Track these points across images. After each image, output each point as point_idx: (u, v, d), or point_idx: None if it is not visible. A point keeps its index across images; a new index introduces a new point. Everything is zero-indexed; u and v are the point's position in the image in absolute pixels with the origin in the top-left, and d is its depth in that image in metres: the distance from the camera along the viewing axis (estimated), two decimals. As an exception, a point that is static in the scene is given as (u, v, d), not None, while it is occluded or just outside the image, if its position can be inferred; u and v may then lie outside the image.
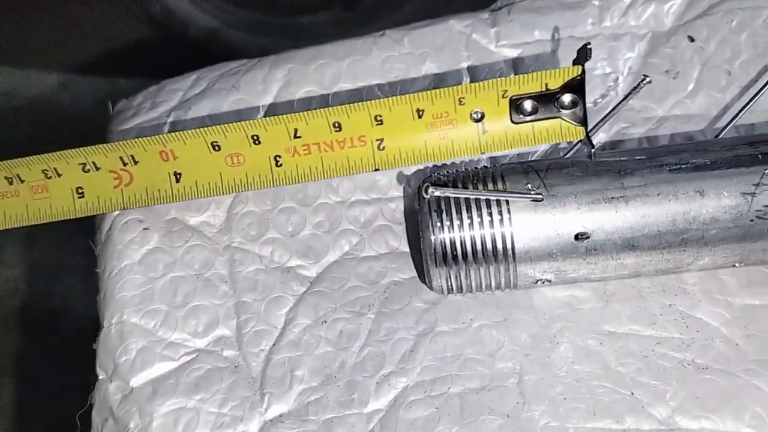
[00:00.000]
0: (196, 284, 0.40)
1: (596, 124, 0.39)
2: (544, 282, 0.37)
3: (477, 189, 0.36)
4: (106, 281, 0.40)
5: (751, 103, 0.40)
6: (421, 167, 0.42)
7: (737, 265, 0.37)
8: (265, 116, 0.43)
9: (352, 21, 0.46)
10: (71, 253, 0.45)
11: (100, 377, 0.39)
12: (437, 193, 0.35)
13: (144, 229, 0.41)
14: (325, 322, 0.39)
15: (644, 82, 0.40)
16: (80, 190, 0.38)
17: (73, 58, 0.58)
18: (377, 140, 0.38)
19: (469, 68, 0.44)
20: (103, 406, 0.38)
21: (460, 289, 0.38)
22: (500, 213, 0.36)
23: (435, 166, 0.42)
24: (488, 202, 0.36)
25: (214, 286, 0.40)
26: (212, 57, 0.47)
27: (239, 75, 0.44)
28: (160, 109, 0.44)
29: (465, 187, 0.36)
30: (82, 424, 0.39)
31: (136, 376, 0.38)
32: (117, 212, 0.42)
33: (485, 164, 0.42)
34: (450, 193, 0.35)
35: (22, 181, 0.38)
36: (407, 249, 0.41)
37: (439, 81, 0.44)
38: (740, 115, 0.40)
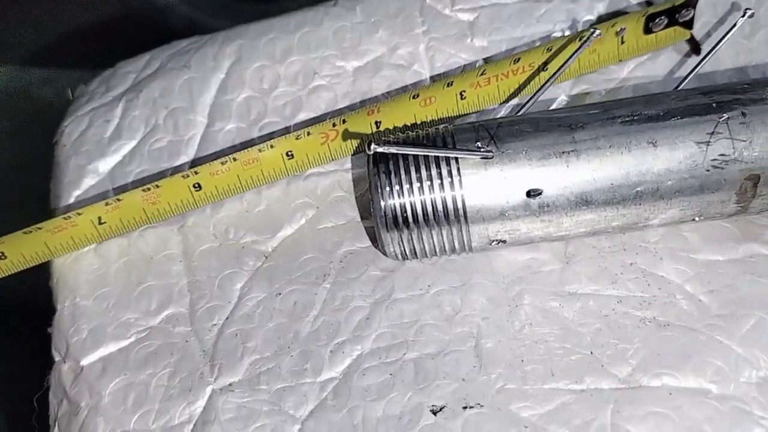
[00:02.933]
0: (150, 265, 0.40)
1: (551, 77, 0.39)
2: (498, 243, 0.36)
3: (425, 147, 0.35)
4: (60, 267, 0.40)
5: (708, 57, 0.40)
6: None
7: (697, 219, 0.36)
8: (217, 94, 0.43)
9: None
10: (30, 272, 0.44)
11: (56, 359, 0.38)
12: (380, 150, 0.34)
13: (98, 212, 0.41)
14: (280, 294, 0.38)
15: (594, 35, 0.39)
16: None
17: (52, 51, 0.57)
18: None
19: (424, 33, 0.43)
20: (58, 387, 0.38)
21: (414, 254, 0.37)
22: (449, 173, 0.35)
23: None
24: (437, 161, 0.35)
25: (168, 267, 0.40)
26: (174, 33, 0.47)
27: (190, 53, 0.44)
28: (113, 92, 0.44)
29: (414, 146, 0.36)
30: (40, 407, 0.38)
31: (87, 356, 0.37)
32: (72, 200, 0.41)
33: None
34: (395, 149, 0.35)
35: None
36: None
37: (392, 49, 0.43)
38: (697, 69, 0.39)
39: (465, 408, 0.34)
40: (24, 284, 0.41)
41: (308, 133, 0.40)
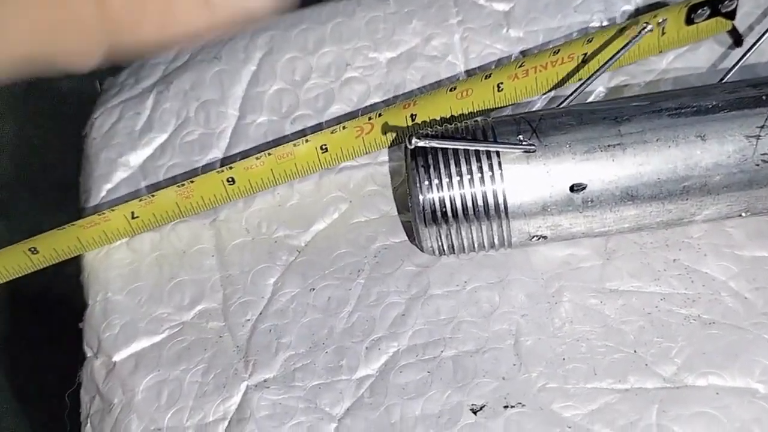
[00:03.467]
0: (182, 260, 0.39)
1: (596, 71, 0.38)
2: (539, 238, 0.36)
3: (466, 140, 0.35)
4: (91, 261, 0.39)
5: (753, 49, 0.38)
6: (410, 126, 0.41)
7: (744, 215, 0.35)
8: (248, 86, 0.42)
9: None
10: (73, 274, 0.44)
11: (87, 355, 0.38)
12: (421, 144, 0.33)
13: (129, 207, 0.40)
14: (313, 289, 0.38)
15: (645, 30, 0.39)
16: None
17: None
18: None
19: (458, 23, 0.42)
20: (90, 383, 0.37)
21: (452, 249, 0.36)
22: (491, 167, 0.34)
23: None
24: (478, 155, 0.34)
25: (200, 261, 0.39)
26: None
27: (220, 45, 0.43)
28: (143, 84, 0.44)
29: (453, 139, 0.35)
30: (71, 403, 0.38)
31: (119, 351, 0.37)
32: (103, 194, 0.41)
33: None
34: (436, 143, 0.34)
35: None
36: (397, 212, 0.40)
37: (426, 39, 0.42)
38: (743, 60, 0.38)
39: (506, 407, 0.33)
40: (54, 279, 0.40)
41: (343, 128, 0.39)
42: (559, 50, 0.40)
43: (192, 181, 0.38)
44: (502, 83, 0.39)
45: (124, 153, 0.41)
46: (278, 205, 0.40)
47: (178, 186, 0.38)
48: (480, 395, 0.34)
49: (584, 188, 0.34)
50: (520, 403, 0.33)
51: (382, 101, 0.42)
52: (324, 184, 0.40)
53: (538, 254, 0.38)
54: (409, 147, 0.34)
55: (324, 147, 0.39)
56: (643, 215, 0.35)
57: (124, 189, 0.41)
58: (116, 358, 0.37)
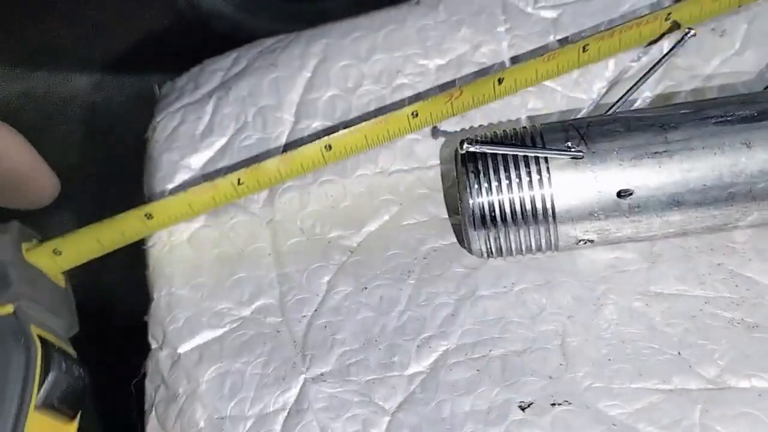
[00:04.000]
0: (241, 257, 0.41)
1: (642, 76, 0.39)
2: (586, 242, 0.37)
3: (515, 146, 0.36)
4: (156, 257, 0.41)
5: (801, 54, 0.39)
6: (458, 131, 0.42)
7: (789, 220, 0.36)
8: (303, 93, 0.44)
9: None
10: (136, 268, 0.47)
11: (153, 347, 0.40)
12: (472, 149, 0.35)
13: (191, 207, 0.42)
14: (366, 288, 0.39)
15: (688, 35, 0.39)
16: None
17: (102, 57, 0.59)
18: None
19: (506, 31, 0.44)
20: (156, 373, 0.39)
21: (500, 252, 0.37)
22: (539, 172, 0.35)
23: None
24: (527, 161, 0.36)
25: (258, 259, 0.41)
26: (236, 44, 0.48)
27: (277, 53, 0.45)
28: (203, 90, 0.45)
29: (502, 145, 0.36)
30: (137, 393, 0.40)
31: (183, 344, 0.39)
32: (166, 194, 0.43)
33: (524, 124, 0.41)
34: (486, 149, 0.35)
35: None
36: (447, 215, 0.41)
37: (475, 47, 0.44)
38: (790, 66, 0.39)
39: (553, 405, 0.35)
40: (120, 276, 0.43)
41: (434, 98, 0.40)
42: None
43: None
44: (588, 45, 0.40)
45: (186, 155, 0.43)
46: (331, 207, 0.42)
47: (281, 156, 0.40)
48: (528, 393, 0.35)
49: (631, 194, 0.35)
50: (566, 401, 0.35)
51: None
52: (375, 187, 0.42)
53: (584, 257, 0.39)
54: (460, 151, 0.36)
55: (415, 113, 0.40)
56: (688, 221, 0.36)
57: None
58: (181, 350, 0.39)
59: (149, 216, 0.39)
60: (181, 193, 0.39)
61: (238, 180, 0.39)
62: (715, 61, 0.42)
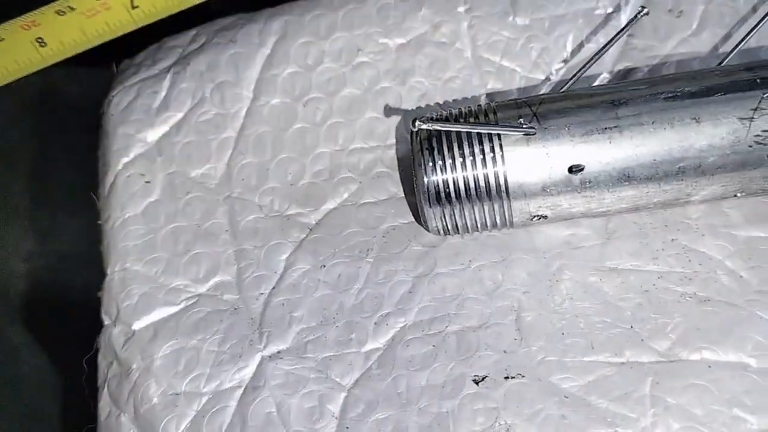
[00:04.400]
0: (197, 233, 0.41)
1: (595, 54, 0.39)
2: (540, 218, 0.37)
3: (468, 123, 0.36)
4: (109, 231, 0.41)
5: (752, 32, 0.39)
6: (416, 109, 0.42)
7: (739, 195, 0.37)
8: (262, 69, 0.44)
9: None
10: (90, 243, 0.46)
11: (105, 323, 0.40)
12: (425, 126, 0.35)
13: (146, 182, 0.42)
14: (324, 266, 0.39)
15: (641, 13, 0.39)
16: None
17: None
18: None
19: (466, 11, 0.44)
20: (108, 349, 0.39)
21: (456, 229, 0.38)
22: (492, 149, 0.36)
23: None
24: (480, 137, 0.36)
25: (215, 235, 0.41)
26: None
27: (236, 29, 0.45)
28: (160, 65, 0.45)
29: (456, 122, 0.36)
30: (89, 369, 0.40)
31: (138, 320, 0.39)
32: (120, 167, 0.42)
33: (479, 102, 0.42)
34: (439, 126, 0.35)
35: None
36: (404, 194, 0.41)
37: (435, 27, 0.44)
38: (741, 44, 0.39)
39: (506, 378, 0.35)
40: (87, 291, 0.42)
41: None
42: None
43: None
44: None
45: (142, 129, 0.43)
46: (290, 183, 0.42)
47: None
48: (482, 367, 0.35)
49: (582, 169, 0.35)
50: (520, 374, 0.35)
51: (391, 86, 0.43)
52: (334, 164, 0.42)
53: (541, 234, 0.39)
54: (412, 129, 0.36)
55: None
56: (640, 196, 0.36)
57: (140, 163, 0.42)
58: (135, 326, 0.39)
59: (42, 42, 0.36)
60: (70, 12, 0.36)
61: (132, 2, 0.37)
62: (672, 41, 0.43)
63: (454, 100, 0.43)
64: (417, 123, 0.35)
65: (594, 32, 0.43)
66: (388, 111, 0.43)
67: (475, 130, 0.36)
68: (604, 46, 0.39)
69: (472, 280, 0.38)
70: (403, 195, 0.41)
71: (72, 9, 0.36)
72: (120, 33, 0.37)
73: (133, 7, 0.37)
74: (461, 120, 0.37)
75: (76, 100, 0.56)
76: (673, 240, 0.38)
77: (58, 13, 0.36)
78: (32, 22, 0.36)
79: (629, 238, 0.38)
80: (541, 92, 0.42)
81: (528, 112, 0.36)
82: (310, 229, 0.41)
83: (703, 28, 0.43)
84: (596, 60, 0.39)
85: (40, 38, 0.36)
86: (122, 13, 0.37)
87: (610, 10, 0.44)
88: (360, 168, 0.42)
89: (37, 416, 0.44)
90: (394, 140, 0.42)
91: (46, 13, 0.36)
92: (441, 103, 0.42)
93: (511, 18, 0.44)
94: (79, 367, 0.40)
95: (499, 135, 0.35)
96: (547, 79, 0.43)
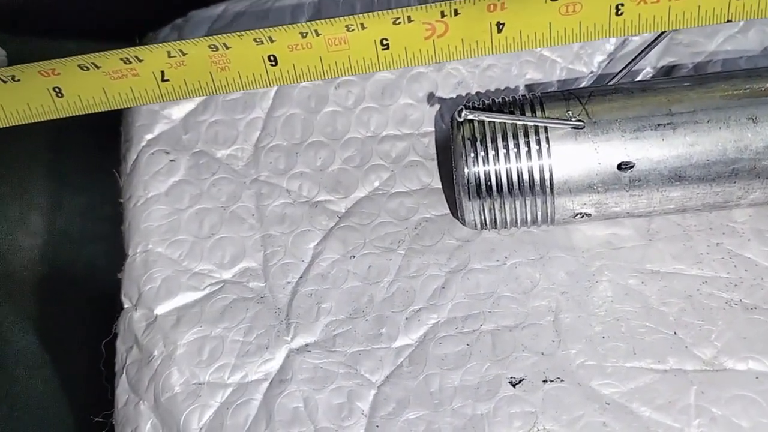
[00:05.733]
0: (223, 216, 0.39)
1: (643, 49, 0.37)
2: (583, 216, 0.35)
3: (514, 115, 0.34)
4: (132, 210, 0.39)
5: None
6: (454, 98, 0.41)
7: (791, 200, 0.35)
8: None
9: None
10: (95, 220, 0.44)
11: (125, 306, 0.38)
12: (471, 117, 0.33)
13: (171, 160, 0.40)
14: (354, 256, 0.38)
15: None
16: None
17: (89, 24, 0.56)
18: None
19: (507, -3, 0.42)
20: (128, 334, 0.37)
21: (494, 224, 0.36)
22: (538, 142, 0.34)
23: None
24: (525, 130, 0.34)
25: (241, 219, 0.39)
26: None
27: (268, 4, 0.43)
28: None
29: (501, 113, 0.35)
30: (107, 354, 0.38)
31: (161, 304, 0.37)
32: (144, 143, 0.41)
33: (523, 93, 0.40)
34: (485, 117, 0.34)
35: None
36: (440, 185, 0.40)
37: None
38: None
39: (545, 381, 0.34)
40: (91, 267, 0.41)
41: (409, 19, 0.33)
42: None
43: (227, 46, 0.34)
44: (622, 5, 0.33)
45: (167, 106, 0.41)
46: (320, 169, 0.40)
47: (211, 47, 0.34)
48: (519, 369, 0.34)
49: (632, 167, 0.34)
50: (558, 378, 0.34)
51: (426, 72, 0.41)
52: (366, 151, 0.40)
53: (579, 233, 0.38)
54: (457, 119, 0.34)
55: (385, 42, 0.34)
56: (689, 196, 0.34)
57: (165, 140, 0.41)
58: (158, 311, 0.37)
59: (59, 92, 0.34)
60: (94, 69, 0.34)
61: (162, 74, 0.34)
62: (718, 38, 0.41)
63: (492, 90, 0.41)
64: (463, 112, 0.33)
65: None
66: (423, 98, 0.41)
67: (523, 122, 0.34)
68: (652, 41, 0.37)
69: (508, 278, 0.37)
70: (437, 185, 0.40)
71: (96, 67, 0.34)
72: (144, 103, 0.35)
73: (164, 80, 0.34)
74: (505, 110, 0.35)
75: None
76: (718, 244, 0.37)
77: (80, 67, 0.34)
78: (52, 70, 0.34)
79: (672, 240, 0.37)
80: (583, 85, 0.41)
81: (576, 104, 0.34)
82: (340, 218, 0.39)
83: (750, 25, 0.41)
84: (645, 55, 0.37)
85: (57, 87, 0.34)
86: (151, 83, 0.34)
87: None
88: (392, 156, 0.40)
89: (31, 399, 0.42)
90: (428, 128, 0.41)
91: (67, 65, 0.34)
92: (479, 92, 0.41)
93: (554, 6, 0.42)
94: (95, 351, 0.38)
95: (546, 128, 0.34)
96: (589, 71, 0.41)
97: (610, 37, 0.34)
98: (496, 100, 0.36)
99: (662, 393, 0.33)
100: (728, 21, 0.33)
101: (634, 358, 0.34)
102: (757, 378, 0.33)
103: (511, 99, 0.36)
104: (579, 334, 0.35)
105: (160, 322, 0.37)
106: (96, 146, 0.45)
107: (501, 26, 0.34)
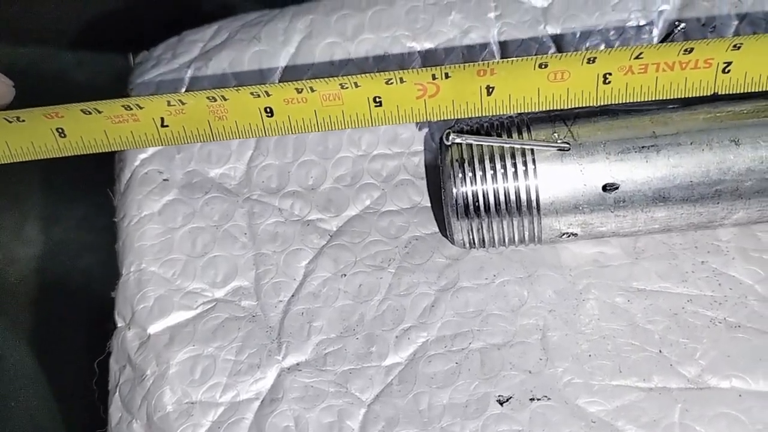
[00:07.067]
0: (215, 235, 0.40)
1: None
2: (569, 236, 0.36)
3: (501, 138, 0.35)
4: (125, 230, 0.40)
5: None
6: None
7: (774, 220, 0.36)
8: (285, 69, 0.42)
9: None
10: (92, 230, 0.45)
11: (119, 325, 0.39)
12: (458, 140, 0.34)
13: (164, 180, 0.41)
14: (345, 275, 0.38)
15: (679, 28, 0.38)
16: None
17: (85, 35, 0.57)
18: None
19: (497, 18, 0.43)
20: (121, 353, 0.38)
21: (483, 243, 0.37)
22: (525, 163, 0.35)
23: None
24: (513, 152, 0.35)
25: (233, 238, 0.40)
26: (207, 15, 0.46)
27: (260, 26, 0.43)
28: (180, 60, 0.44)
29: (489, 136, 0.35)
30: (101, 372, 0.38)
31: (153, 324, 0.38)
32: (137, 163, 0.41)
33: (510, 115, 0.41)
34: (472, 140, 0.34)
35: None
36: (429, 204, 0.40)
37: (464, 32, 0.43)
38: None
39: (532, 400, 0.34)
40: (87, 278, 0.41)
41: (401, 80, 0.34)
42: (692, 49, 0.33)
43: (225, 98, 0.35)
44: (610, 74, 0.34)
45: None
46: (311, 188, 0.41)
47: (209, 98, 0.35)
48: (507, 387, 0.35)
49: (617, 188, 0.34)
50: (546, 396, 0.34)
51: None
52: (357, 170, 0.41)
53: (567, 251, 0.38)
54: (445, 143, 0.35)
55: (378, 100, 0.35)
56: (673, 217, 0.35)
57: (158, 160, 0.41)
58: (151, 330, 0.37)
59: (62, 132, 0.35)
60: (96, 114, 0.35)
61: (162, 120, 0.35)
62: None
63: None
64: (451, 136, 0.34)
65: (625, 45, 0.42)
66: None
67: (509, 144, 0.35)
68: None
69: (497, 296, 0.37)
70: (426, 204, 0.40)
71: (98, 111, 0.35)
72: (144, 146, 0.36)
73: (163, 126, 0.36)
74: (492, 132, 0.36)
75: (86, 88, 0.55)
76: (703, 262, 0.37)
77: (83, 111, 0.35)
78: (56, 113, 0.35)
79: (658, 258, 0.37)
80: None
81: (562, 126, 0.35)
82: (331, 236, 0.40)
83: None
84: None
85: (60, 128, 0.35)
86: (150, 128, 0.36)
87: (642, 22, 0.43)
88: (383, 175, 0.41)
89: (25, 416, 0.42)
90: (417, 147, 0.41)
91: (71, 109, 0.35)
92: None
93: (542, 26, 0.43)
94: (88, 370, 0.38)
95: (532, 149, 0.34)
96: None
97: (597, 104, 0.35)
98: (484, 123, 0.37)
99: (647, 411, 0.34)
100: (714, 93, 0.34)
101: (620, 376, 0.34)
102: (740, 396, 0.34)
103: (498, 122, 0.37)
104: (566, 353, 0.35)
105: (153, 341, 0.37)
106: (93, 161, 0.46)
107: (491, 89, 0.35)
